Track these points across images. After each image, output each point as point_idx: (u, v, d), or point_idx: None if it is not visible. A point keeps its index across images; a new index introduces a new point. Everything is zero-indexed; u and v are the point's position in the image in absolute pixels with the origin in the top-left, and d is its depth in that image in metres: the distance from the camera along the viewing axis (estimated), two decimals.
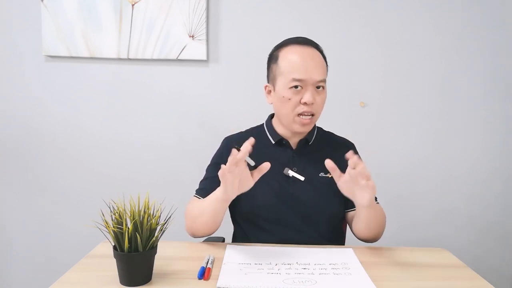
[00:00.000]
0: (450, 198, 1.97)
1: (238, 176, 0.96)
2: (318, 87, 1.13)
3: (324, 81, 1.14)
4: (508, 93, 1.92)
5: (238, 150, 0.91)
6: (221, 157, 1.22)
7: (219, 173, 0.95)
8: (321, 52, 1.17)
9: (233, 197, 1.01)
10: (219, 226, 1.12)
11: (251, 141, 0.93)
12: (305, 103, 1.11)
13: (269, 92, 1.20)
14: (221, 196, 1.02)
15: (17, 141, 1.96)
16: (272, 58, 1.18)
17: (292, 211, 1.16)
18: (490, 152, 1.96)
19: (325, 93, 1.16)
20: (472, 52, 1.90)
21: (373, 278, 0.90)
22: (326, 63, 1.18)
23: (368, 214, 1.07)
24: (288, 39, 1.18)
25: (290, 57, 1.13)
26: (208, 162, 1.26)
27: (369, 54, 1.90)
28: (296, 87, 1.11)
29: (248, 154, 0.93)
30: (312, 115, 1.14)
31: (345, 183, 1.00)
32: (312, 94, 1.11)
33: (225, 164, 0.99)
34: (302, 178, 1.15)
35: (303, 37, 1.17)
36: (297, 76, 1.10)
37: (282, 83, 1.13)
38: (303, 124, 1.14)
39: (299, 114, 1.13)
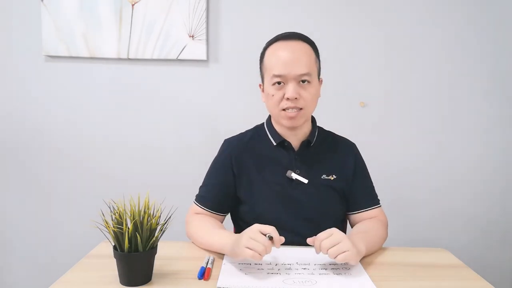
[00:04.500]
0: (450, 198, 1.97)
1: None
2: (303, 81, 1.09)
3: (307, 74, 1.08)
4: (509, 94, 1.92)
5: (271, 239, 0.91)
6: (222, 162, 1.21)
7: (250, 253, 0.90)
8: (311, 44, 1.14)
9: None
10: None
11: (281, 239, 0.92)
12: (287, 99, 1.09)
13: (263, 90, 1.19)
14: (228, 252, 0.99)
15: (17, 141, 1.96)
16: (261, 57, 1.18)
17: (295, 216, 1.15)
18: (491, 153, 1.95)
19: (314, 87, 1.12)
20: (474, 52, 1.89)
21: (373, 278, 0.90)
22: (317, 56, 1.15)
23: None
24: (276, 36, 1.15)
25: (272, 53, 1.12)
26: (208, 162, 1.25)
27: (369, 54, 1.90)
28: (279, 83, 1.09)
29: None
30: (300, 109, 1.11)
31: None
32: (294, 89, 1.08)
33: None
34: (305, 181, 1.13)
35: (290, 32, 1.15)
36: (277, 72, 1.08)
37: (267, 80, 1.13)
38: (290, 118, 1.11)
39: (284, 109, 1.10)
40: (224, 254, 1.02)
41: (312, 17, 1.87)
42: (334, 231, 0.95)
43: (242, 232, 0.96)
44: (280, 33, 1.16)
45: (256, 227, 0.94)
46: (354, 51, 1.89)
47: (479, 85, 1.91)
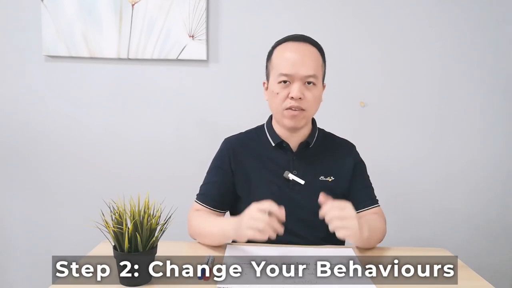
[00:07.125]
0: (450, 197, 1.97)
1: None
2: (309, 83, 1.12)
3: (314, 76, 1.11)
4: (507, 91, 1.92)
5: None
6: (221, 160, 1.23)
7: (255, 228, 0.93)
8: (319, 49, 1.16)
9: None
10: None
11: (281, 211, 0.94)
12: (292, 98, 1.10)
13: (266, 88, 1.20)
14: (232, 235, 1.02)
15: (17, 141, 1.96)
16: (269, 55, 1.20)
17: (292, 216, 1.14)
18: (489, 151, 1.95)
19: (318, 90, 1.14)
20: (472, 51, 1.89)
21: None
22: (324, 61, 1.17)
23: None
24: (286, 36, 1.18)
25: (282, 53, 1.14)
26: (208, 162, 1.26)
27: (369, 54, 1.90)
28: (285, 82, 1.11)
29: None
30: (303, 110, 1.12)
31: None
32: (299, 89, 1.10)
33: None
34: (302, 182, 1.14)
35: (300, 34, 1.17)
36: (284, 71, 1.10)
37: (273, 78, 1.14)
38: (292, 116, 1.12)
39: (287, 108, 1.12)
40: (224, 255, 1.02)
41: (312, 17, 1.87)
42: (347, 206, 0.94)
43: (242, 214, 0.98)
44: (290, 34, 1.18)
45: (254, 206, 0.96)
46: (354, 52, 1.89)
47: (477, 84, 1.91)
